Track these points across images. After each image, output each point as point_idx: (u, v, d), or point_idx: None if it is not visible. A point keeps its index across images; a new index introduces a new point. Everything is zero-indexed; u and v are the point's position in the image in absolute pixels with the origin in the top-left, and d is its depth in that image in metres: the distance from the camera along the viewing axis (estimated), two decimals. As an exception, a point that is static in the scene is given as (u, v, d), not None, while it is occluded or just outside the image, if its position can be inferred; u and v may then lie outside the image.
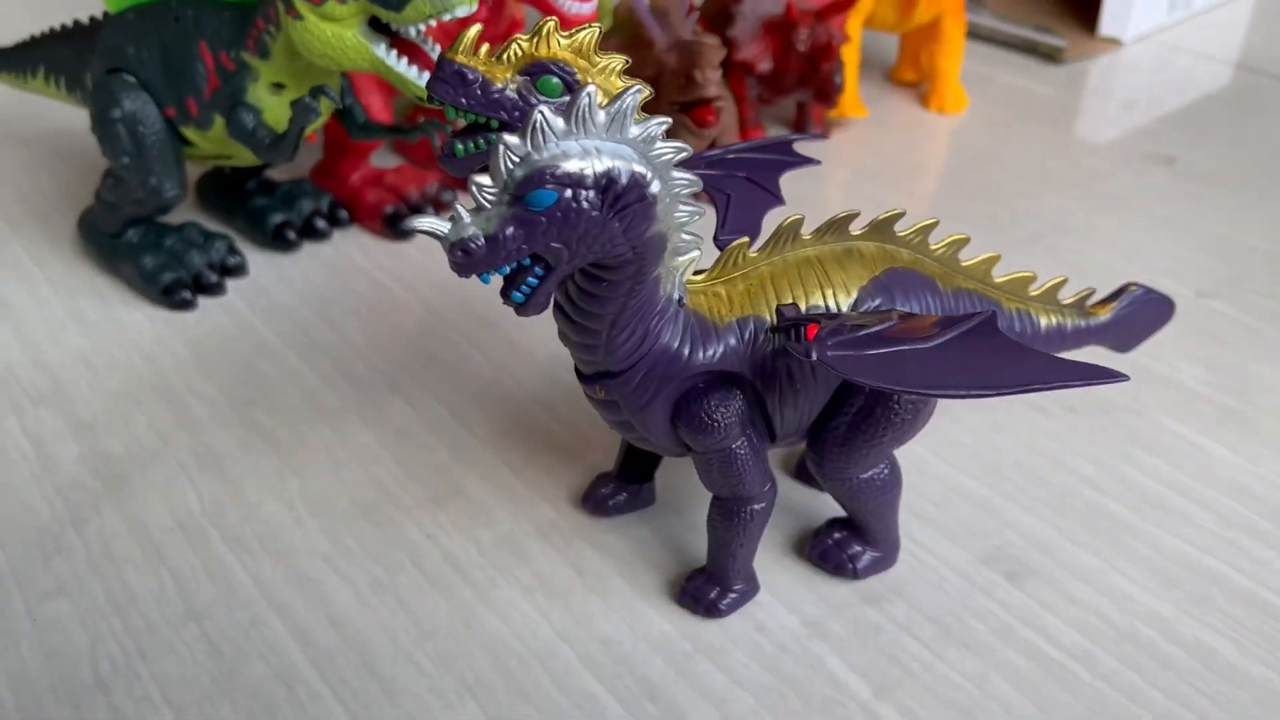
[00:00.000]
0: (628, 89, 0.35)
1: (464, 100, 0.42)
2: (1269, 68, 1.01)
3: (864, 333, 0.38)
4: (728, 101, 0.68)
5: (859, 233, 0.45)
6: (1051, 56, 1.00)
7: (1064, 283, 0.50)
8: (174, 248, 0.66)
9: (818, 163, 0.52)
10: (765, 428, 0.45)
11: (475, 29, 0.42)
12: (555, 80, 0.42)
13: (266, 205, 0.71)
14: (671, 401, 0.43)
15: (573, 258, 0.36)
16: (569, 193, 0.35)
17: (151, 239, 0.67)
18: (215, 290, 0.66)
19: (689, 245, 0.40)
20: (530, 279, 0.37)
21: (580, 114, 0.35)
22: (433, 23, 0.54)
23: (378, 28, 0.56)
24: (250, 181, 0.72)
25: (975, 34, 1.04)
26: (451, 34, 0.66)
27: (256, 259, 0.70)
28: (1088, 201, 0.79)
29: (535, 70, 0.42)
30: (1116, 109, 0.95)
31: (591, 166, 0.35)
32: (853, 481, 0.45)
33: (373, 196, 0.73)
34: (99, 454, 0.55)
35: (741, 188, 0.49)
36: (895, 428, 0.44)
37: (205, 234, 0.68)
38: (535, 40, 0.42)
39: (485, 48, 0.42)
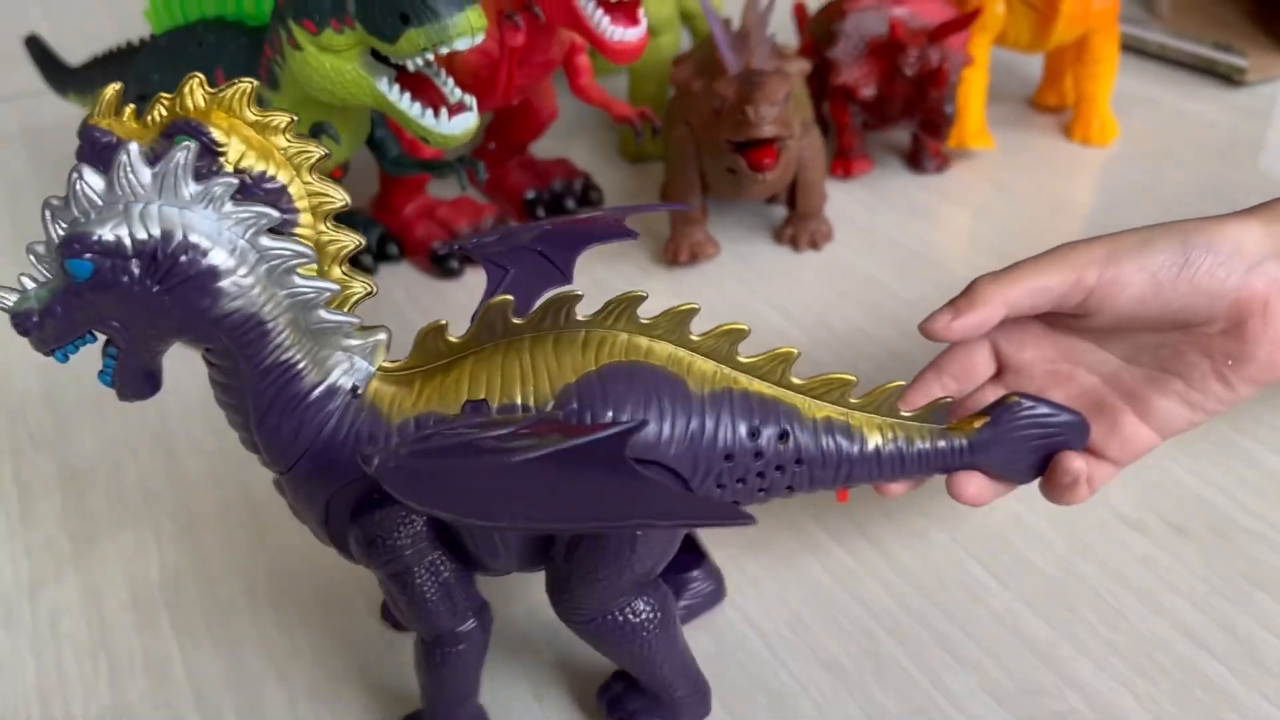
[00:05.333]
0: (178, 145, 0.30)
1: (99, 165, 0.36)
2: None
3: (446, 442, 0.31)
4: (803, 139, 0.59)
5: (585, 318, 0.36)
6: (1230, 78, 0.86)
7: (899, 388, 0.38)
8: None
9: (634, 235, 0.42)
10: (461, 553, 0.36)
11: (113, 88, 0.35)
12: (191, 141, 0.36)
13: (312, 238, 0.67)
14: (350, 509, 0.36)
15: (134, 336, 0.32)
16: (108, 263, 0.30)
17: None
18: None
19: (337, 327, 0.33)
20: (108, 360, 0.33)
21: (121, 173, 0.30)
22: (430, 56, 0.49)
23: (383, 60, 0.51)
24: (303, 211, 0.69)
25: (1144, 51, 0.91)
26: (480, 64, 0.60)
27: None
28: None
29: (173, 131, 0.36)
30: (1308, 141, 0.81)
31: (129, 232, 0.30)
32: (597, 621, 0.37)
33: (422, 231, 0.68)
34: None
35: (527, 262, 0.41)
36: (624, 552, 0.35)
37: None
38: (176, 100, 0.36)
39: (130, 109, 0.36)
